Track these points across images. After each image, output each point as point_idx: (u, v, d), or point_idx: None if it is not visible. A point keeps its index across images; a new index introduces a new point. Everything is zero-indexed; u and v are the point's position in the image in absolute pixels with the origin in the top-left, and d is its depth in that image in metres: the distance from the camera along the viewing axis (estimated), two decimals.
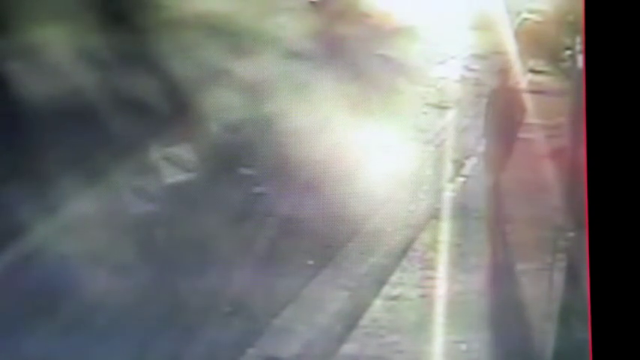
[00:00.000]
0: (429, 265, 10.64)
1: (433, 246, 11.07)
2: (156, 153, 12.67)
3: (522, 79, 13.77)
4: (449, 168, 13.24)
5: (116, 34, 14.90)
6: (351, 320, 9.51)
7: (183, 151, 12.78)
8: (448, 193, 12.53)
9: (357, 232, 11.28)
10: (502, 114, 11.83)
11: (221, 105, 13.71)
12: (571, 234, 11.03)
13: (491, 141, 12.19)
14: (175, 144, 12.93)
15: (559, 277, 10.40)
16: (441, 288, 10.11)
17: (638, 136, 5.00)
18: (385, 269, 10.54)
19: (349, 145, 13.10)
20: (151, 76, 13.85)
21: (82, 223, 10.70)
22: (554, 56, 16.96)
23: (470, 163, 13.32)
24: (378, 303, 9.85)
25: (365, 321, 9.51)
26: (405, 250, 10.97)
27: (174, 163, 12.55)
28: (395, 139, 13.77)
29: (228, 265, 10.17)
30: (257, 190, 12.17)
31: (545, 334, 9.35)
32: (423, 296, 9.99)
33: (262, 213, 11.54)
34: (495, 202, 11.73)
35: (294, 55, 15.92)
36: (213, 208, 11.34)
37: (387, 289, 10.11)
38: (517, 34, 17.16)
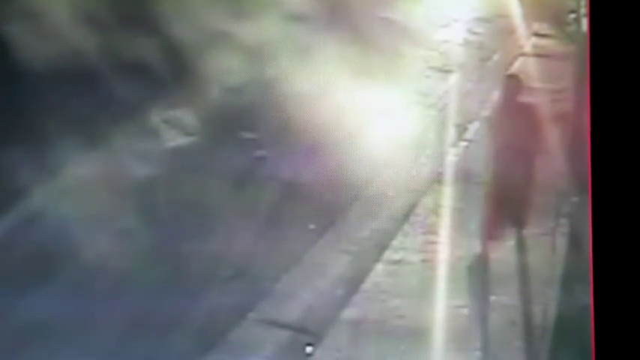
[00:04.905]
0: (431, 230, 10.62)
1: (435, 210, 11.04)
2: (157, 116, 12.64)
3: (526, 43, 13.68)
4: (451, 132, 13.20)
5: None
6: (352, 285, 9.50)
7: (184, 115, 12.74)
8: (451, 158, 12.49)
9: (359, 196, 11.26)
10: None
11: (222, 68, 13.64)
12: (574, 199, 11.00)
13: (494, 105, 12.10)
14: (176, 107, 12.90)
15: (562, 242, 10.38)
16: (443, 253, 10.09)
17: None
18: (387, 233, 10.53)
19: (351, 108, 13.04)
20: (152, 38, 13.77)
21: (82, 186, 10.69)
22: (558, 19, 16.85)
23: (472, 128, 13.27)
24: (379, 267, 9.84)
25: (366, 285, 9.51)
26: (407, 215, 10.95)
27: (175, 127, 12.52)
28: (397, 103, 13.72)
29: (230, 229, 10.15)
30: (258, 153, 12.14)
31: (548, 299, 9.35)
32: (424, 261, 9.98)
33: (263, 177, 11.51)
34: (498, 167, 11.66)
35: (296, 17, 15.81)
36: (214, 172, 11.31)
37: (388, 254, 10.09)
38: None
